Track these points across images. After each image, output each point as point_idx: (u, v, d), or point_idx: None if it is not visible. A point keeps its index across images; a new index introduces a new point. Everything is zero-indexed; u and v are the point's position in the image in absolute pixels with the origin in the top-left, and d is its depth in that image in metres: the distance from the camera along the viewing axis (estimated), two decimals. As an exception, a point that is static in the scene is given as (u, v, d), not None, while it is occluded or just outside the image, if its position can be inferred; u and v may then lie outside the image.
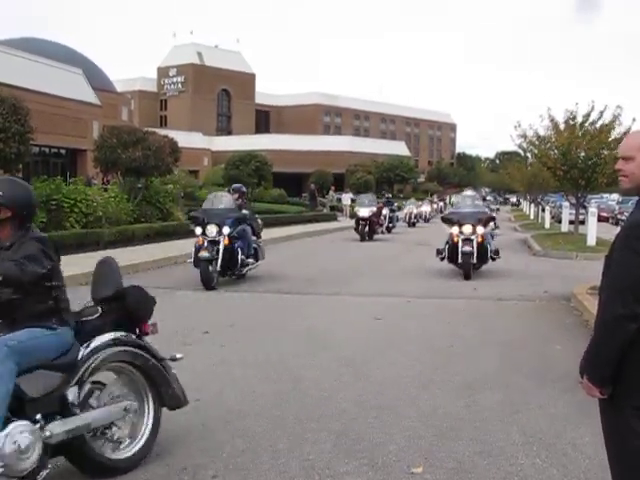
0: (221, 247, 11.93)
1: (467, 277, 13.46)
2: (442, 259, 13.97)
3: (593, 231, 20.41)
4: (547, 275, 14.21)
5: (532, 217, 44.68)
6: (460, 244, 13.52)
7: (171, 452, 4.50)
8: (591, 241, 20.12)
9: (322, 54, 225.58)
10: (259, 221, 14.02)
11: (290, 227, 27.94)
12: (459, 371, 6.56)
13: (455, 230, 13.79)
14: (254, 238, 13.29)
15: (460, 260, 13.55)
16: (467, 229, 13.69)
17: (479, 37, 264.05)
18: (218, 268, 11.97)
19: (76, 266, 13.22)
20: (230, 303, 10.61)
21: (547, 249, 19.59)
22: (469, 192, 18.11)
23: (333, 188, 52.96)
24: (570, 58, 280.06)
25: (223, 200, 12.89)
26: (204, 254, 11.74)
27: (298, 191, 56.65)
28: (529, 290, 11.90)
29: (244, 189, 14.41)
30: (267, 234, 17.71)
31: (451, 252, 13.74)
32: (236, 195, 13.35)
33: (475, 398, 5.72)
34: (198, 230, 12.19)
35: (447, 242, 13.95)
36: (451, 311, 9.98)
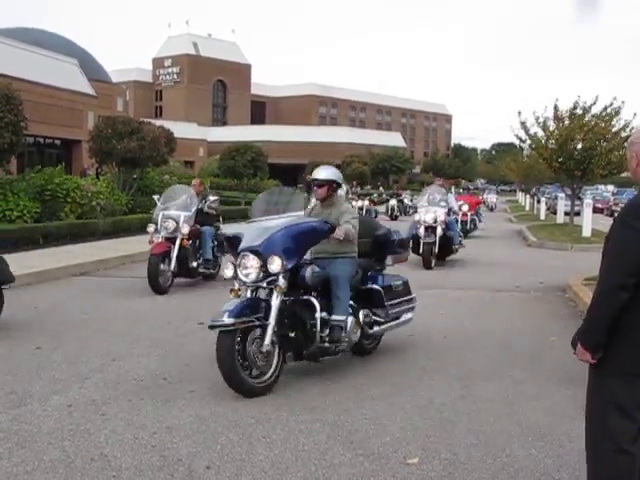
0: None
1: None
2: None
3: (588, 222, 20.46)
4: (542, 266, 14.22)
5: (527, 208, 44.75)
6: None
7: (166, 444, 4.48)
8: (586, 232, 20.17)
9: (319, 45, 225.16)
10: None
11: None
12: (454, 362, 6.56)
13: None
14: None
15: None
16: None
17: (476, 30, 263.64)
18: None
19: (70, 256, 13.19)
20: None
21: (542, 240, 19.63)
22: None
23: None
24: (569, 53, 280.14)
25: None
26: None
27: (294, 182, 56.51)
28: (524, 281, 11.91)
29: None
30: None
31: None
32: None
33: (470, 389, 5.71)
34: None
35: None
36: (446, 302, 9.97)
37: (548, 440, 4.61)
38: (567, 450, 4.44)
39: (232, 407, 5.19)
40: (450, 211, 14.54)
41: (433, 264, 13.65)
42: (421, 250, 13.54)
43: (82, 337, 7.39)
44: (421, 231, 13.56)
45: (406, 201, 34.20)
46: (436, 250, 13.71)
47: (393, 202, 31.73)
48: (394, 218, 30.04)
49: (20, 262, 12.05)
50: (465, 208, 20.37)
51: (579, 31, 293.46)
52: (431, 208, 13.96)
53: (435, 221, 13.70)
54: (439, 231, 13.68)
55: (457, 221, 20.17)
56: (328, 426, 4.82)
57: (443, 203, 14.18)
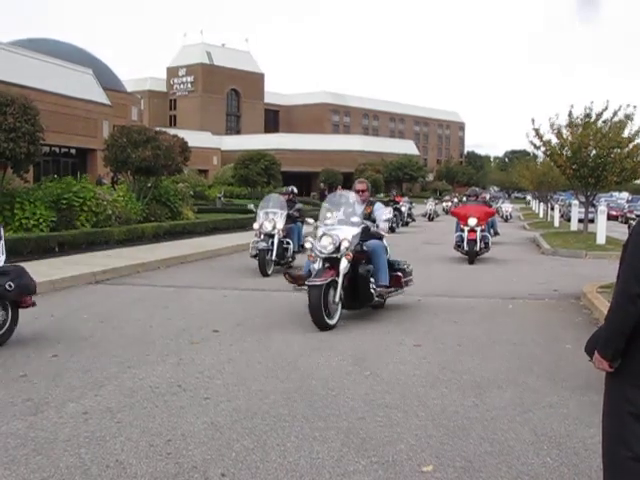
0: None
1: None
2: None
3: (603, 229, 20.36)
4: (556, 274, 14.16)
5: (541, 215, 44.55)
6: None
7: (181, 451, 4.50)
8: (601, 240, 20.06)
9: (331, 53, 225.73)
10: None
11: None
12: (468, 370, 6.54)
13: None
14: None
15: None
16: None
17: (489, 36, 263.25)
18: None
19: (85, 264, 13.28)
20: (242, 301, 10.61)
21: (556, 248, 19.53)
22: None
23: (339, 187, 52.37)
24: (582, 57, 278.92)
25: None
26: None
27: (307, 190, 56.56)
28: (539, 289, 11.86)
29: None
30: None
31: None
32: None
33: (484, 397, 5.70)
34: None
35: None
36: (459, 309, 9.95)
37: (564, 448, 4.59)
38: (583, 458, 4.41)
39: (246, 414, 5.21)
40: (369, 230, 9.12)
41: (336, 320, 8.40)
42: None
43: (97, 345, 7.44)
44: (315, 266, 8.65)
45: (404, 209, 31.05)
46: (336, 298, 8.40)
47: None
48: (391, 230, 23.63)
49: (36, 270, 12.13)
50: (472, 222, 16.29)
51: (590, 30, 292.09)
52: (335, 228, 8.86)
53: (337, 249, 8.55)
54: (344, 265, 8.44)
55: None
56: (342, 433, 4.83)
57: (355, 219, 9.00)
